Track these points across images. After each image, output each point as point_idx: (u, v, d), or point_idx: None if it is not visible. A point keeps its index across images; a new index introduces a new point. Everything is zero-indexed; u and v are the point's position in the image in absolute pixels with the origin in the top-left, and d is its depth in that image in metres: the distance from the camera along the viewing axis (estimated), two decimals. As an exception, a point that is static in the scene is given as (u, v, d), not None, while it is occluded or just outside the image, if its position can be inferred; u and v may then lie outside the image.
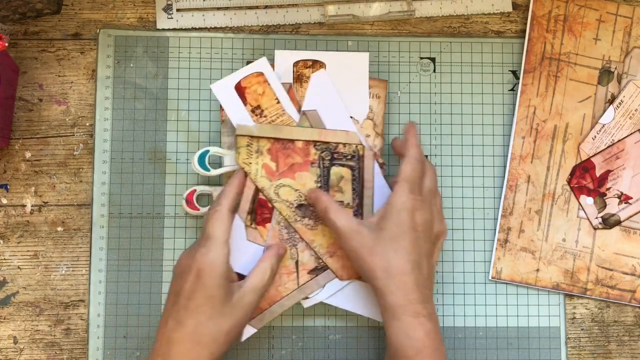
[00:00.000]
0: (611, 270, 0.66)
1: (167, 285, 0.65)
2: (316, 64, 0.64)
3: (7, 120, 0.65)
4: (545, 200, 0.67)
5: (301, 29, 0.68)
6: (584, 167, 0.67)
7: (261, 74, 0.63)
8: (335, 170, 0.62)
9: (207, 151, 0.62)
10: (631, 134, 0.67)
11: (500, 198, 0.67)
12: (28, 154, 0.66)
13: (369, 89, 0.65)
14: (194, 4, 0.67)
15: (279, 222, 0.62)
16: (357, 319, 0.65)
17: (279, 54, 0.65)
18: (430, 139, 0.67)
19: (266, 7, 0.68)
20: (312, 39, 0.68)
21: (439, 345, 0.56)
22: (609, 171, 0.67)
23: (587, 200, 0.67)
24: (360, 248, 0.57)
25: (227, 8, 0.68)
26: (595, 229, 0.67)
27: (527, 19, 0.68)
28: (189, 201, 0.64)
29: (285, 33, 0.68)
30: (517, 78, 0.68)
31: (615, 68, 0.68)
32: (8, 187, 0.65)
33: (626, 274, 0.66)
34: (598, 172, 0.67)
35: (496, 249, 0.66)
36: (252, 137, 0.62)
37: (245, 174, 0.62)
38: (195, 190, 0.64)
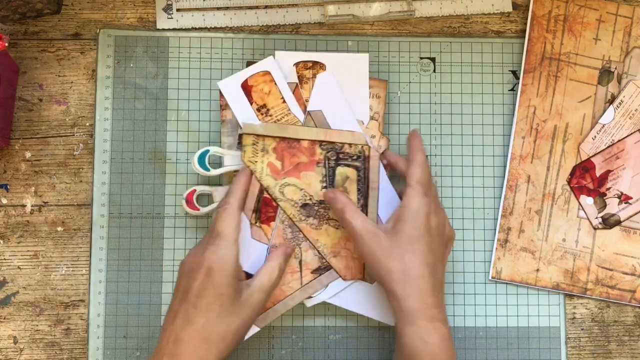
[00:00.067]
0: (611, 270, 0.66)
1: (167, 285, 0.65)
2: (316, 65, 0.65)
3: (7, 120, 0.65)
4: (545, 200, 0.67)
5: (301, 29, 0.68)
6: (584, 167, 0.67)
7: (268, 73, 0.63)
8: (340, 171, 0.62)
9: (207, 151, 0.62)
10: (631, 134, 0.67)
11: (500, 198, 0.67)
12: (28, 154, 0.66)
13: (369, 89, 0.65)
14: (194, 4, 0.67)
15: (283, 221, 0.62)
16: (357, 319, 0.65)
17: (279, 55, 0.64)
18: (430, 139, 0.67)
19: (266, 7, 0.68)
20: (312, 39, 0.68)
21: (453, 351, 0.56)
22: (609, 171, 0.67)
23: (587, 200, 0.67)
24: (377, 250, 0.57)
25: (227, 8, 0.68)
26: (595, 229, 0.67)
27: (527, 19, 0.68)
28: (189, 201, 0.64)
29: (285, 33, 0.68)
30: (517, 78, 0.68)
31: (615, 68, 0.68)
32: (8, 187, 0.65)
33: (626, 274, 0.66)
34: (598, 172, 0.67)
35: (496, 249, 0.66)
36: (257, 135, 0.62)
37: (251, 172, 0.62)
38: (195, 190, 0.64)
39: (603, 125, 0.67)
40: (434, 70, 0.68)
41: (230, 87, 0.63)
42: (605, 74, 0.68)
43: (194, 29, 0.67)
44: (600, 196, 0.67)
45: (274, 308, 0.62)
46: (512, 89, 0.68)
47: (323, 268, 0.62)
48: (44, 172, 0.66)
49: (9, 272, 0.65)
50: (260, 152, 0.62)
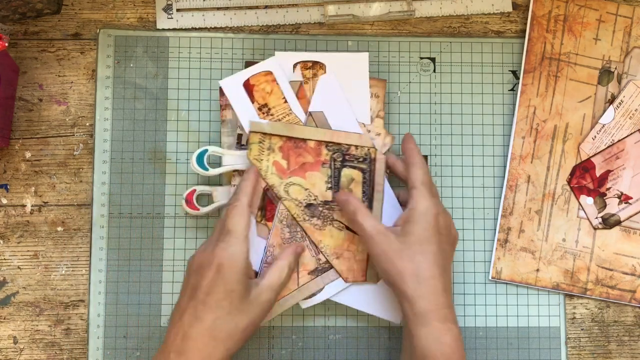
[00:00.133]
0: (611, 270, 0.66)
1: (167, 285, 0.65)
2: (316, 65, 0.65)
3: (7, 120, 0.65)
4: (545, 200, 0.67)
5: (301, 29, 0.68)
6: (584, 167, 0.67)
7: (270, 72, 0.63)
8: (346, 172, 0.62)
9: (206, 150, 0.62)
10: (631, 134, 0.67)
11: (500, 198, 0.67)
12: (28, 154, 0.66)
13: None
14: (194, 4, 0.67)
15: (281, 221, 0.62)
16: (357, 319, 0.65)
17: (278, 56, 0.65)
18: (430, 139, 0.67)
19: (266, 7, 0.68)
20: (312, 39, 0.68)
21: (464, 351, 0.56)
22: (609, 171, 0.67)
23: (587, 200, 0.67)
24: (388, 251, 0.57)
25: (227, 8, 0.68)
26: (595, 229, 0.67)
27: (527, 19, 0.68)
28: (188, 201, 0.64)
29: (285, 33, 0.68)
30: (517, 78, 0.68)
31: (615, 68, 0.68)
32: (8, 187, 0.65)
33: (626, 274, 0.66)
34: (598, 172, 0.67)
35: (496, 249, 0.66)
36: (264, 134, 0.62)
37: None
38: (195, 190, 0.64)
39: (603, 125, 0.67)
40: (434, 70, 0.68)
41: (232, 86, 0.63)
42: (605, 74, 0.68)
43: (194, 29, 0.67)
44: (600, 196, 0.67)
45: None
46: (512, 89, 0.68)
47: (320, 269, 0.62)
48: (44, 172, 0.66)
49: (9, 272, 0.65)
50: (267, 150, 0.62)
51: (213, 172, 0.62)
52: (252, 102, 0.63)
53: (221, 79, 0.67)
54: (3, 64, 0.62)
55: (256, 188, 0.61)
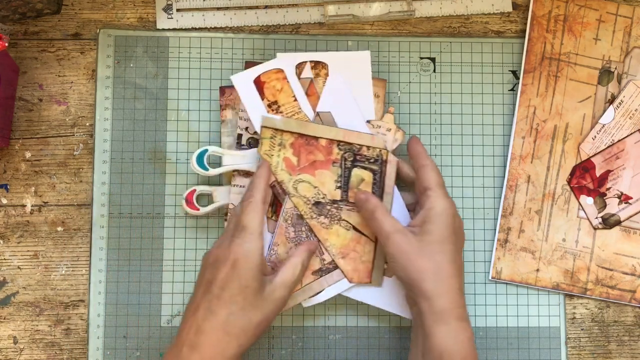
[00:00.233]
0: (611, 270, 0.66)
1: (167, 285, 0.65)
2: (318, 65, 0.64)
3: (7, 120, 0.65)
4: (545, 200, 0.67)
5: (301, 29, 0.68)
6: (584, 167, 0.67)
7: (281, 70, 0.63)
8: (356, 172, 0.62)
9: (206, 150, 0.62)
10: (631, 134, 0.67)
11: (500, 198, 0.67)
12: (28, 154, 0.66)
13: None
14: (194, 4, 0.67)
15: (286, 220, 0.62)
16: (357, 319, 0.65)
17: (280, 57, 0.64)
18: (430, 139, 0.67)
19: (266, 7, 0.68)
20: (312, 39, 0.68)
21: (476, 351, 0.56)
22: (609, 171, 0.67)
23: (587, 200, 0.67)
24: (407, 250, 0.57)
25: (227, 8, 0.68)
26: (595, 229, 0.67)
27: (527, 19, 0.68)
28: (189, 201, 0.64)
29: (285, 33, 0.68)
30: (517, 78, 0.68)
31: (615, 68, 0.68)
32: (8, 187, 0.65)
33: (626, 274, 0.66)
34: (598, 172, 0.67)
35: (496, 249, 0.66)
36: (276, 129, 0.62)
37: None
38: (195, 190, 0.64)
39: (603, 125, 0.67)
40: (434, 70, 0.68)
41: (243, 81, 0.63)
42: (605, 74, 0.68)
43: (194, 29, 0.67)
44: (600, 196, 0.67)
45: None
46: (512, 89, 0.68)
47: (324, 270, 0.62)
48: (44, 172, 0.66)
49: (9, 272, 0.65)
50: (277, 146, 0.62)
51: (213, 172, 0.62)
52: (262, 99, 0.63)
53: (221, 79, 0.67)
54: (3, 64, 0.62)
55: (269, 183, 0.61)
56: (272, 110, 0.63)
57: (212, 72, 0.67)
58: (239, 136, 0.64)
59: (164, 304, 0.65)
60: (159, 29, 0.67)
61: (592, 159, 0.67)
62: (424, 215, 0.58)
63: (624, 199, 0.67)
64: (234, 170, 0.63)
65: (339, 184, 0.62)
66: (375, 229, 0.59)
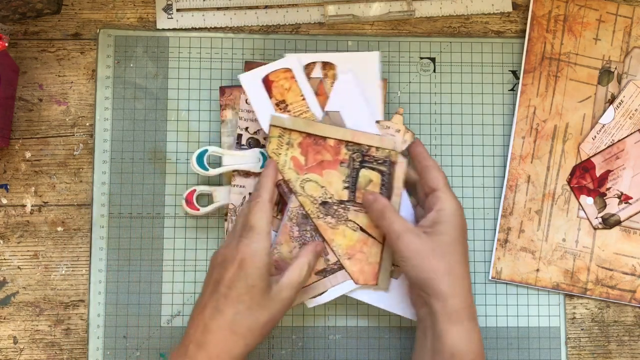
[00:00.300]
0: (611, 270, 0.66)
1: (167, 285, 0.65)
2: (326, 66, 0.64)
3: (7, 120, 0.65)
4: (545, 200, 0.67)
5: (301, 29, 0.68)
6: (584, 167, 0.67)
7: (289, 70, 0.63)
8: (364, 173, 0.62)
9: (206, 150, 0.62)
10: (631, 134, 0.67)
11: (500, 198, 0.67)
12: (28, 154, 0.66)
13: (369, 88, 0.65)
14: (194, 4, 0.67)
15: (291, 219, 0.62)
16: (357, 318, 0.65)
17: (288, 57, 0.64)
18: (430, 139, 0.67)
19: (266, 7, 0.68)
20: (312, 39, 0.68)
21: (484, 351, 0.57)
22: (609, 171, 0.67)
23: (587, 200, 0.67)
24: (421, 250, 0.57)
25: (227, 8, 0.68)
26: (595, 229, 0.67)
27: (527, 19, 0.68)
28: (188, 201, 0.64)
29: (285, 33, 0.68)
30: (517, 78, 0.68)
31: (615, 68, 0.68)
32: (8, 187, 0.65)
33: (626, 274, 0.66)
34: (598, 172, 0.67)
35: (496, 249, 0.66)
36: (284, 128, 0.62)
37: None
38: (195, 190, 0.64)
39: (603, 125, 0.67)
40: (434, 70, 0.68)
41: (251, 80, 0.63)
42: (605, 74, 0.68)
43: (194, 29, 0.67)
44: (600, 196, 0.67)
45: None
46: (512, 89, 0.68)
47: (328, 270, 0.62)
48: (44, 172, 0.66)
49: (9, 272, 0.65)
50: (285, 145, 0.62)
51: (213, 172, 0.62)
52: (270, 98, 0.63)
53: (221, 79, 0.67)
54: (3, 64, 0.62)
55: (276, 182, 0.61)
56: (280, 109, 0.63)
57: (212, 72, 0.67)
58: (239, 136, 0.64)
59: (164, 304, 0.65)
60: (159, 29, 0.67)
61: (592, 159, 0.67)
62: (435, 216, 0.59)
63: (624, 199, 0.67)
64: (233, 171, 0.63)
65: (346, 185, 0.62)
66: (385, 229, 0.59)
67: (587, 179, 0.67)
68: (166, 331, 0.64)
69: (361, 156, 0.62)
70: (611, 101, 0.67)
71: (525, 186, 0.67)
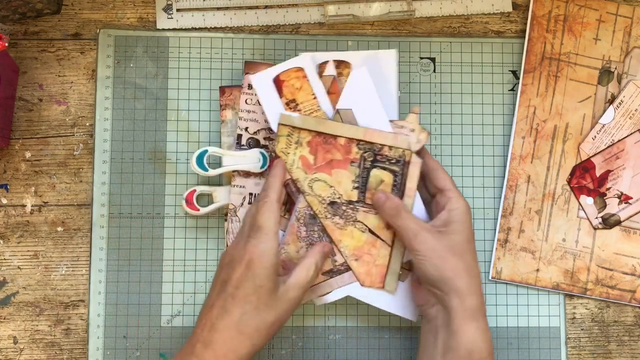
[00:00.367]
0: (611, 270, 0.66)
1: (167, 285, 0.65)
2: (342, 65, 0.64)
3: (7, 120, 0.65)
4: (545, 200, 0.67)
5: (301, 29, 0.68)
6: (584, 167, 0.67)
7: (301, 69, 0.63)
8: (375, 173, 0.61)
9: (206, 151, 0.62)
10: (631, 134, 0.67)
11: (500, 198, 0.67)
12: (28, 154, 0.66)
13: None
14: (194, 4, 0.67)
15: (299, 219, 0.61)
16: (357, 319, 0.65)
17: (303, 57, 0.63)
18: (430, 139, 0.67)
19: (266, 7, 0.68)
20: (312, 39, 0.68)
21: None
22: (609, 171, 0.67)
23: (587, 200, 0.67)
24: (438, 248, 0.57)
25: (227, 8, 0.68)
26: (595, 229, 0.67)
27: (527, 19, 0.68)
28: (188, 201, 0.64)
29: (285, 33, 0.68)
30: (517, 78, 0.68)
31: (615, 68, 0.68)
32: (8, 187, 0.65)
33: (626, 274, 0.66)
34: (598, 172, 0.67)
35: (496, 249, 0.66)
36: (293, 127, 0.61)
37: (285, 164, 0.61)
38: (195, 191, 0.64)
39: (603, 125, 0.67)
40: (434, 70, 0.68)
41: (262, 80, 0.62)
42: (605, 74, 0.68)
43: (194, 29, 0.67)
44: (600, 196, 0.67)
45: None
46: (512, 89, 0.68)
47: (335, 271, 0.62)
48: (44, 172, 0.66)
49: (9, 272, 0.65)
50: (294, 144, 0.61)
51: (213, 172, 0.62)
52: (281, 97, 0.62)
53: (221, 79, 0.67)
54: (3, 64, 0.62)
55: (284, 182, 0.61)
56: (290, 108, 0.62)
57: (212, 72, 0.67)
58: (239, 136, 0.64)
59: (164, 304, 0.65)
60: (159, 29, 0.67)
61: (592, 159, 0.67)
62: (448, 216, 0.59)
63: (624, 199, 0.67)
64: (233, 171, 0.63)
65: (356, 185, 0.61)
66: (401, 227, 0.59)
67: (587, 179, 0.67)
68: (166, 331, 0.64)
69: (373, 155, 0.61)
70: (611, 101, 0.67)
71: (525, 186, 0.67)
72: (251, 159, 0.63)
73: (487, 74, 0.68)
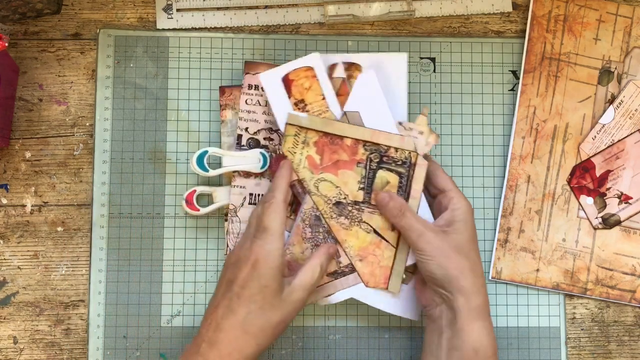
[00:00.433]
0: (611, 270, 0.66)
1: (167, 285, 0.65)
2: (352, 67, 0.64)
3: (7, 120, 0.65)
4: (545, 200, 0.67)
5: (301, 29, 0.68)
6: (584, 167, 0.67)
7: (311, 68, 0.63)
8: (381, 174, 0.61)
9: (206, 151, 0.62)
10: (631, 134, 0.67)
11: (500, 198, 0.67)
12: (28, 154, 0.66)
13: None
14: (194, 4, 0.67)
15: (304, 220, 0.61)
16: (357, 319, 0.65)
17: (314, 57, 0.63)
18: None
19: (266, 7, 0.68)
20: (312, 39, 0.68)
21: None
22: (609, 171, 0.67)
23: (587, 200, 0.67)
24: (444, 248, 0.58)
25: (227, 8, 0.68)
26: (595, 229, 0.67)
27: (527, 19, 0.68)
28: (188, 201, 0.64)
29: (285, 33, 0.68)
30: (517, 78, 0.68)
31: (615, 68, 0.68)
32: (8, 187, 0.65)
33: (626, 274, 0.66)
34: (598, 172, 0.67)
35: (496, 249, 0.66)
36: (301, 127, 0.61)
37: (292, 165, 0.61)
38: (195, 191, 0.64)
39: (603, 125, 0.67)
40: (434, 70, 0.68)
41: (271, 79, 0.62)
42: (605, 74, 0.68)
43: (194, 29, 0.67)
44: (600, 196, 0.67)
45: None
46: (512, 89, 0.68)
47: (339, 272, 0.62)
48: (44, 172, 0.66)
49: (9, 272, 0.65)
50: (301, 144, 0.61)
51: (213, 173, 0.62)
52: (289, 97, 0.62)
53: (221, 79, 0.67)
54: (3, 64, 0.62)
55: (290, 183, 0.61)
56: (299, 108, 0.62)
57: (212, 72, 0.67)
58: (239, 137, 0.64)
59: (164, 304, 0.65)
60: (159, 29, 0.67)
61: (592, 159, 0.67)
62: (451, 215, 0.59)
63: (624, 199, 0.67)
64: (233, 171, 0.63)
65: (361, 185, 0.61)
66: (405, 227, 0.59)
67: (587, 179, 0.67)
68: (166, 331, 0.65)
69: (379, 157, 0.61)
70: (611, 101, 0.67)
71: (525, 186, 0.67)
72: (251, 160, 0.63)
73: (487, 74, 0.68)
